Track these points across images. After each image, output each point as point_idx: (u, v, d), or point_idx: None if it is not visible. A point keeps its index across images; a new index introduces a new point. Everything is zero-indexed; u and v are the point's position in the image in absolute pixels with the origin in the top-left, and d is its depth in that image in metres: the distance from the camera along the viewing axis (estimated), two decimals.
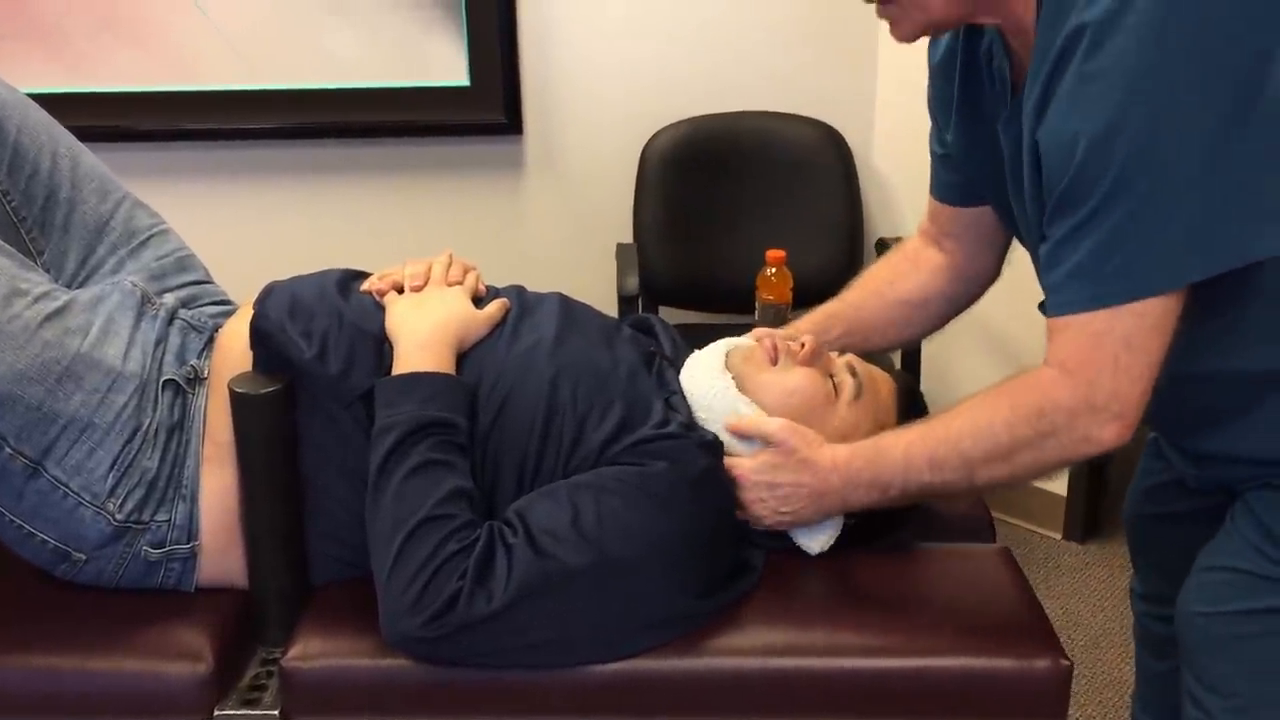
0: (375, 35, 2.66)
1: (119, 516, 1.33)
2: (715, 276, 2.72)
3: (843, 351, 1.47)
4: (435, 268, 1.47)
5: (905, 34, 1.24)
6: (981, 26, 1.26)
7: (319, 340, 1.35)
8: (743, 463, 1.34)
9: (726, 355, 1.44)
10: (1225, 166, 1.05)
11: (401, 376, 1.31)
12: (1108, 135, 1.06)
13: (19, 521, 1.32)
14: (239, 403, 1.31)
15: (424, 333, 1.35)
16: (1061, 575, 2.58)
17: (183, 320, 1.46)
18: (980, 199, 1.44)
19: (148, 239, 1.55)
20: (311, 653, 1.28)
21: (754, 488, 1.34)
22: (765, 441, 1.34)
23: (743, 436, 1.35)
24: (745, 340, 1.49)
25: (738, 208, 2.72)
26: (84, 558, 1.34)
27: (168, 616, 1.34)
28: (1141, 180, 1.06)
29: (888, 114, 2.76)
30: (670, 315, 2.70)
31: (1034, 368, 1.21)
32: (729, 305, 2.63)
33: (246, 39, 2.65)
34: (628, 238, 2.73)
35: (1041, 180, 1.16)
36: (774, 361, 1.42)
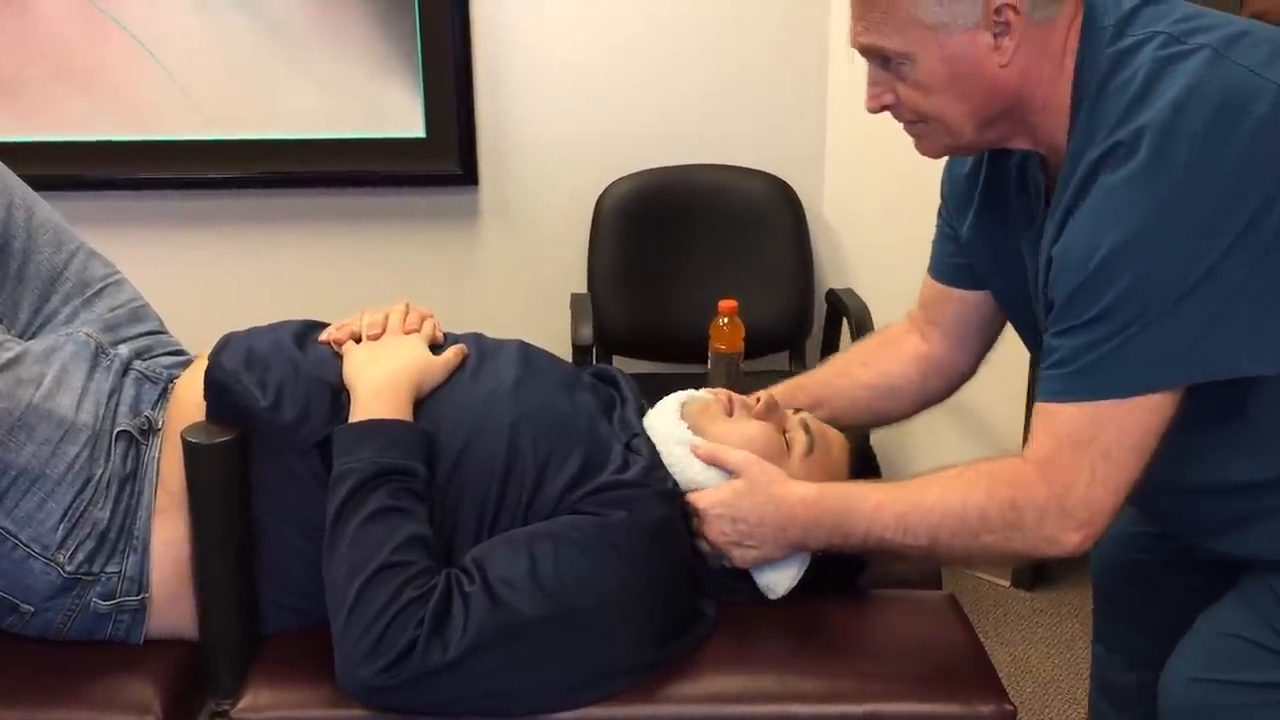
0: (331, 86, 2.68)
1: (69, 568, 1.32)
2: (668, 326, 2.74)
3: (798, 410, 1.49)
4: (392, 317, 1.48)
5: (930, 151, 1.28)
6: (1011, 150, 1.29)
7: (274, 390, 1.35)
8: (707, 494, 1.35)
9: (681, 406, 1.46)
10: (1220, 288, 1.09)
11: (358, 424, 1.32)
12: (1125, 250, 1.10)
13: None
14: (191, 452, 1.31)
15: (381, 381, 1.36)
16: (1010, 623, 2.61)
17: (137, 371, 1.46)
18: (978, 285, 1.46)
19: (102, 289, 1.55)
20: (262, 704, 1.27)
21: (717, 520, 1.34)
22: (729, 472, 1.36)
23: (709, 464, 1.37)
24: (701, 393, 1.51)
25: (690, 259, 2.75)
26: (32, 609, 1.33)
27: (116, 668, 1.34)
28: (1143, 297, 1.10)
29: (837, 168, 2.81)
30: (624, 365, 2.72)
31: (1015, 455, 1.23)
32: (682, 355, 2.65)
33: (202, 90, 2.66)
34: (582, 288, 2.75)
35: (1047, 284, 1.20)
36: (729, 414, 1.44)
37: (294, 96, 2.68)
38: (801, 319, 2.74)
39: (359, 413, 1.33)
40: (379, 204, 2.80)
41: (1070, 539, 1.19)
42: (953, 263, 1.48)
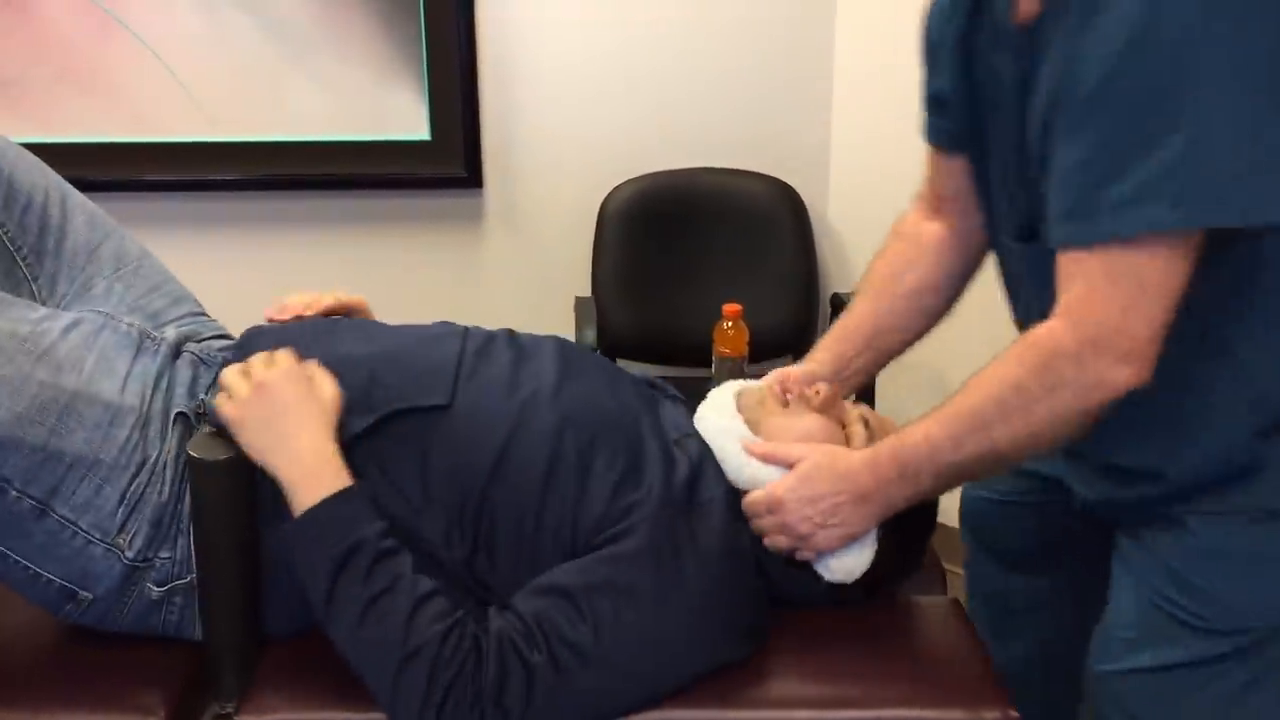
0: (337, 89, 2.68)
1: (129, 554, 1.32)
2: (672, 330, 2.74)
3: (857, 403, 1.47)
4: (254, 365, 1.35)
5: None
6: None
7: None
8: (778, 485, 1.32)
9: (737, 397, 1.44)
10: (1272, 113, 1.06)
11: (298, 525, 1.25)
12: (1146, 36, 1.05)
13: (25, 563, 1.31)
14: (195, 468, 1.30)
15: (295, 456, 1.27)
16: None
17: (191, 354, 1.46)
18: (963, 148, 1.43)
19: (137, 267, 1.57)
20: (265, 707, 1.27)
21: (797, 506, 1.31)
22: (791, 466, 1.33)
23: (768, 462, 1.35)
24: (755, 383, 1.49)
25: (695, 262, 2.75)
26: (91, 597, 1.32)
27: (120, 670, 1.34)
28: (1181, 95, 1.05)
29: (842, 171, 2.81)
30: (627, 368, 2.72)
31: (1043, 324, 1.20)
32: (686, 359, 2.66)
33: (207, 91, 2.67)
34: (586, 291, 2.75)
35: (1040, 107, 1.16)
36: (785, 405, 1.43)
37: (298, 98, 2.68)
38: (806, 323, 2.74)
39: (294, 502, 1.26)
40: (383, 206, 2.80)
41: (1119, 375, 1.15)
42: (941, 125, 1.45)
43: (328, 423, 1.30)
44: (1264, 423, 1.23)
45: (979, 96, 1.33)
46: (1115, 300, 1.13)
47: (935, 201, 1.52)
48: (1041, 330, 1.19)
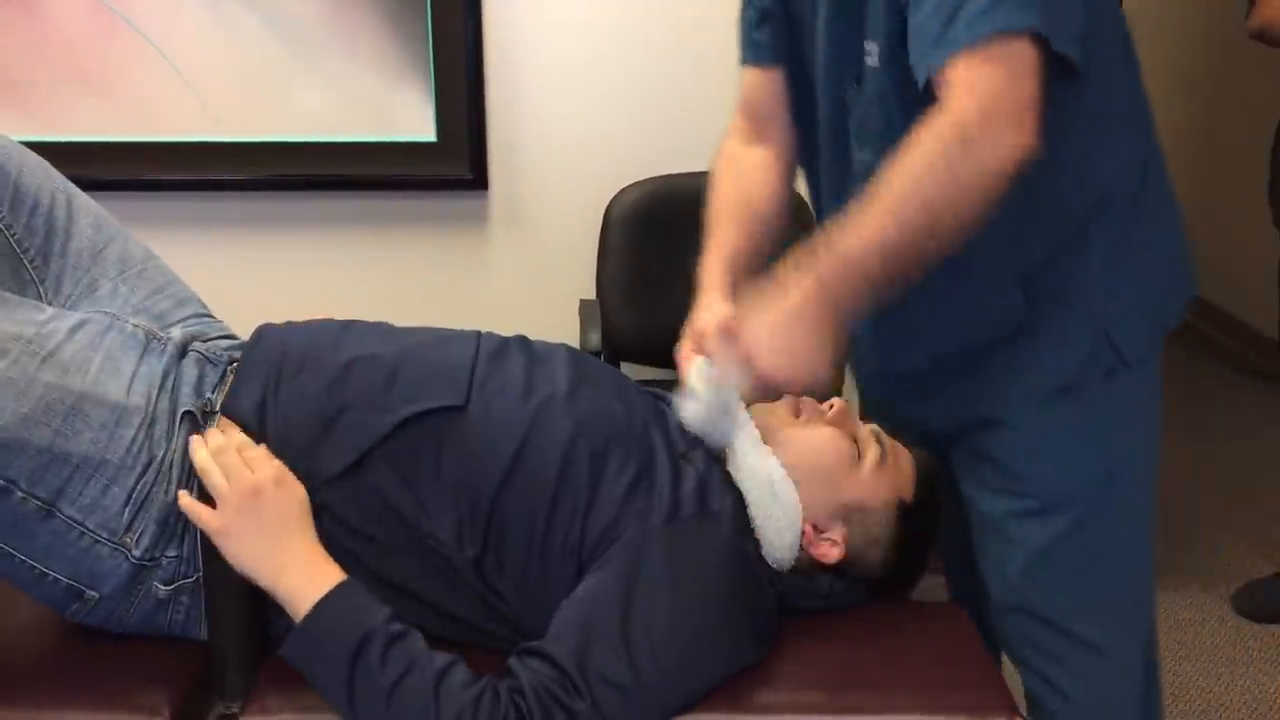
0: (343, 89, 2.68)
1: (136, 553, 1.32)
2: (676, 333, 2.71)
3: (867, 421, 1.49)
4: (221, 476, 1.30)
5: None
6: None
7: (280, 429, 1.34)
8: (742, 346, 1.35)
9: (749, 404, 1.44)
10: None
11: (306, 627, 1.24)
12: None
13: (31, 562, 1.31)
14: None
15: (288, 562, 1.27)
16: None
17: (198, 352, 1.45)
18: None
19: (142, 270, 1.57)
20: (270, 708, 1.27)
21: (760, 345, 1.33)
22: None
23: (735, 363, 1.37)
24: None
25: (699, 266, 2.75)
26: (97, 596, 1.33)
27: (125, 669, 1.34)
28: None
29: None
30: (631, 371, 2.72)
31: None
32: None
33: (213, 91, 2.67)
34: (591, 294, 2.75)
35: None
36: (796, 415, 1.43)
37: (304, 98, 2.68)
38: None
39: (293, 606, 1.26)
40: (388, 207, 2.80)
41: (1015, 136, 1.21)
42: (766, 43, 1.54)
43: (310, 520, 1.30)
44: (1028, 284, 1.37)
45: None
46: (1000, 73, 1.21)
47: (756, 127, 1.60)
48: (940, 111, 1.23)
